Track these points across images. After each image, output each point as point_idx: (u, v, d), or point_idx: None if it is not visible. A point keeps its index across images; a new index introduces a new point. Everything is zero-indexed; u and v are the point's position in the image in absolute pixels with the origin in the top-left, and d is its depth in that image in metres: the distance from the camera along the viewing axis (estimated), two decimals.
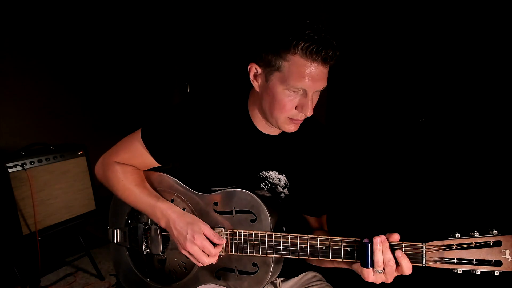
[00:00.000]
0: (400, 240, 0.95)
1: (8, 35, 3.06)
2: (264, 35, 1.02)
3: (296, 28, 0.96)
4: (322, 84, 1.02)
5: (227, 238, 1.13)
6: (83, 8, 3.57)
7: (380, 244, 0.93)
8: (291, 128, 1.11)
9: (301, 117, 1.08)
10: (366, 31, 2.73)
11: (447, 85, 2.35)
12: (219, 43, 3.75)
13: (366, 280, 0.97)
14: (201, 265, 1.11)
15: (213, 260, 1.10)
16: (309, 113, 1.05)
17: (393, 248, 0.94)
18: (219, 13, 3.70)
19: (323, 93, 1.11)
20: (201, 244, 1.08)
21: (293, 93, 1.03)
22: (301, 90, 1.02)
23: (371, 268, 0.95)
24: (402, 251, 0.94)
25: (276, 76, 1.02)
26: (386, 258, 0.93)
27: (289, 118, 1.08)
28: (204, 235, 1.10)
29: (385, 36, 2.62)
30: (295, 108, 1.06)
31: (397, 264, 0.93)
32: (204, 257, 1.09)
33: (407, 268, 0.93)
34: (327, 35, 0.97)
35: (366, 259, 0.94)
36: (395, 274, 0.95)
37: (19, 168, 2.17)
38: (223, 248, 1.13)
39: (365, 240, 0.94)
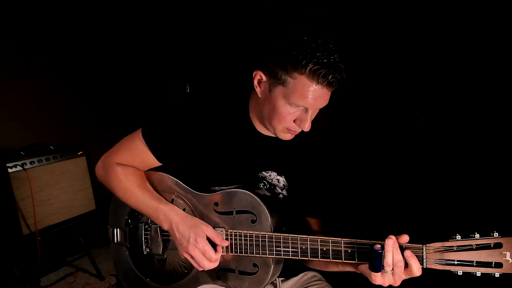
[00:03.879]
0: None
1: (8, 35, 3.06)
2: (274, 47, 1.01)
3: (308, 47, 0.95)
4: (323, 104, 1.04)
5: (227, 239, 1.13)
6: (83, 8, 3.57)
7: (391, 246, 0.92)
8: (287, 137, 1.14)
9: (298, 129, 1.10)
10: (366, 31, 2.72)
11: (447, 85, 2.35)
12: (219, 43, 3.75)
13: (374, 283, 0.97)
14: (201, 269, 1.11)
15: (213, 265, 1.11)
16: (307, 128, 1.07)
17: (401, 249, 0.94)
18: (220, 13, 3.70)
19: None
20: (203, 248, 1.08)
21: (294, 108, 1.05)
22: (302, 107, 1.04)
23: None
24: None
25: (280, 89, 1.03)
26: (396, 258, 0.92)
27: (287, 128, 1.10)
28: (207, 236, 1.10)
29: (385, 36, 2.61)
30: (294, 121, 1.08)
31: (406, 265, 0.93)
32: (205, 262, 1.09)
33: (416, 269, 0.92)
34: (336, 59, 0.97)
35: (377, 264, 0.93)
36: (403, 276, 0.95)
37: (19, 168, 2.17)
38: (223, 248, 1.13)
39: (377, 246, 0.93)
